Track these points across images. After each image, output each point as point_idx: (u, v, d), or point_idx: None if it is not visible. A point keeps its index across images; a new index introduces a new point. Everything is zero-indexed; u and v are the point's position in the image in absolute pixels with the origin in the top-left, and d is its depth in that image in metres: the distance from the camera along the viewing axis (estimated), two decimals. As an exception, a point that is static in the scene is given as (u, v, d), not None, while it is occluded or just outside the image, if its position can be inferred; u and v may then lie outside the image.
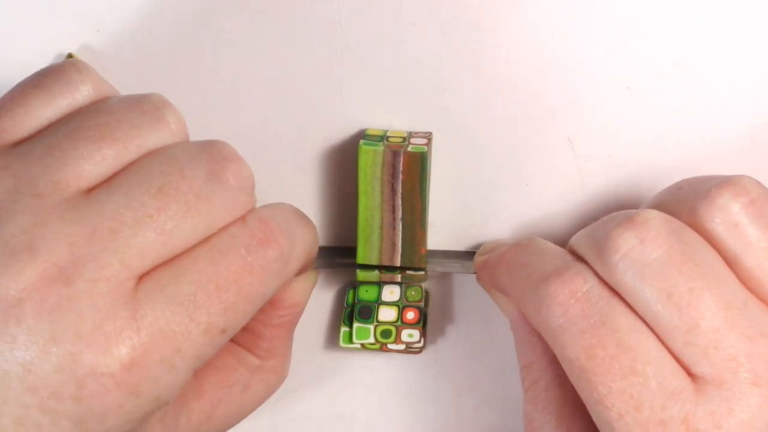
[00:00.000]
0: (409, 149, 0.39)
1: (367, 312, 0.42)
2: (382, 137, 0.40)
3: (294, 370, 0.43)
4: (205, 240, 0.32)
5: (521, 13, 0.40)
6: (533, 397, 0.37)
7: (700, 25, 0.40)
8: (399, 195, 0.39)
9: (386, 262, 0.40)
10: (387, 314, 0.42)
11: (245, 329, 0.38)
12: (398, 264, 0.40)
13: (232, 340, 0.39)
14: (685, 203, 0.34)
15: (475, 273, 0.41)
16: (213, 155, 0.33)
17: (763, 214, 0.32)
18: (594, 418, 0.33)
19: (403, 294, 0.42)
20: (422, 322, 0.42)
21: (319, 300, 0.43)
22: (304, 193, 0.42)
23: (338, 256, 0.42)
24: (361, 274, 0.41)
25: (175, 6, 0.40)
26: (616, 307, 0.32)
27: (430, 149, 0.40)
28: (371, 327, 0.42)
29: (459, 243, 0.42)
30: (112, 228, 0.30)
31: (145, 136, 0.33)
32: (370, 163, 0.39)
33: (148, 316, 0.30)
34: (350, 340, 0.42)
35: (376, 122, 0.41)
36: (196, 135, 0.41)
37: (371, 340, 0.42)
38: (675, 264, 0.31)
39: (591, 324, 0.32)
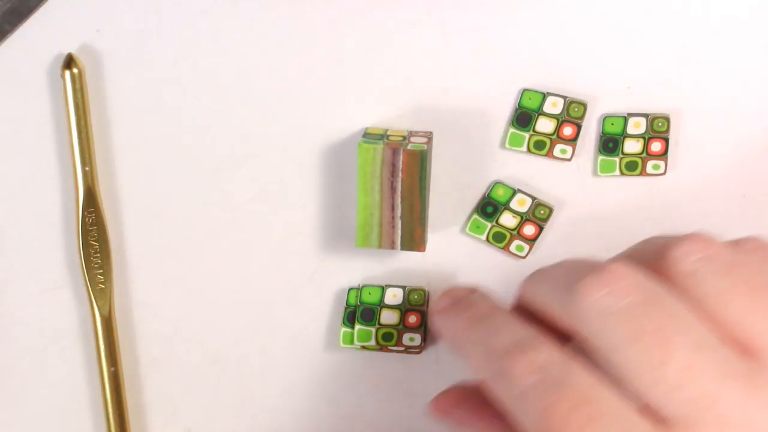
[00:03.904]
0: (408, 147, 0.39)
1: (369, 314, 0.42)
2: (383, 136, 0.40)
3: (294, 370, 0.43)
4: None
5: (521, 13, 0.40)
6: None
7: (700, 25, 0.40)
8: (398, 193, 0.39)
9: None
10: (389, 317, 0.42)
11: None
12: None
13: None
14: (648, 255, 0.34)
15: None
16: None
17: (719, 263, 0.32)
18: None
19: (405, 297, 0.42)
20: (424, 325, 0.42)
21: (320, 300, 0.43)
22: (304, 192, 0.42)
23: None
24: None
25: (174, 6, 0.40)
26: (575, 367, 0.32)
27: (430, 148, 0.40)
28: (373, 330, 0.42)
29: (458, 243, 0.42)
30: None
31: None
32: (370, 161, 0.39)
33: None
34: (351, 341, 0.42)
35: (376, 122, 0.41)
36: (195, 135, 0.42)
37: (372, 342, 0.42)
38: (643, 308, 0.31)
39: (549, 386, 0.32)
